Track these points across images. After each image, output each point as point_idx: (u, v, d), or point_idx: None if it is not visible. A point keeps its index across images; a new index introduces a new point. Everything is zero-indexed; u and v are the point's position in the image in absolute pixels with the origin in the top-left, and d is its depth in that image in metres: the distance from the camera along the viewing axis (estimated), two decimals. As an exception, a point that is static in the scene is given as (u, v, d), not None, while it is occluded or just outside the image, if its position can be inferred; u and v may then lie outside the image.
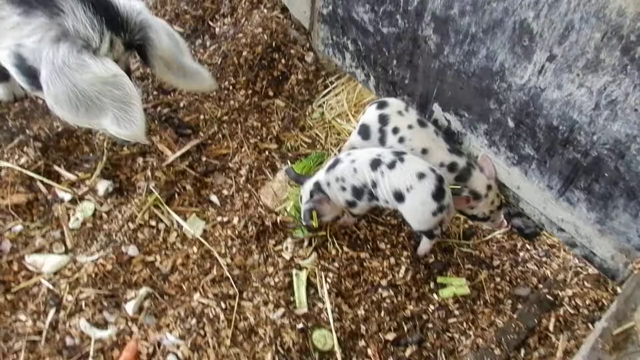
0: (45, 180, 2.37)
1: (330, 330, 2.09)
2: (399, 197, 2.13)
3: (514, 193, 2.20)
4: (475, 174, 2.26)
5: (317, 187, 2.27)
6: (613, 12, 1.47)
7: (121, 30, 1.88)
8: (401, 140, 2.28)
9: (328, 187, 2.25)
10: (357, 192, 2.21)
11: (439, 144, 2.27)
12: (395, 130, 2.28)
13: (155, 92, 2.84)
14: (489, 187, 2.24)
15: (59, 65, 1.70)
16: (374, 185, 2.16)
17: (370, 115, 2.35)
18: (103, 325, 2.03)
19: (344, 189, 2.22)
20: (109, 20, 1.82)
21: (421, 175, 2.08)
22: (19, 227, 2.24)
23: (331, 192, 2.25)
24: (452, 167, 2.26)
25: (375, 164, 2.14)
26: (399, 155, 2.14)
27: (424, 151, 2.26)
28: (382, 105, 2.33)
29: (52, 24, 1.73)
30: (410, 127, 2.28)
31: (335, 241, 2.40)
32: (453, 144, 2.30)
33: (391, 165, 2.12)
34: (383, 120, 2.30)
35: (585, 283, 2.32)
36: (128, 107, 1.83)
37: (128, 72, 2.14)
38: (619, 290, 2.10)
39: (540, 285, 2.34)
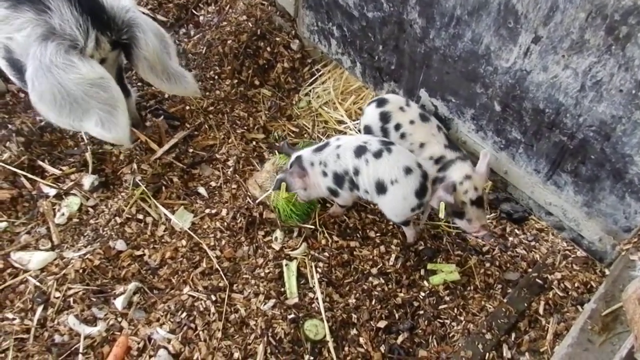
0: (30, 175, 2.34)
1: (322, 320, 2.08)
2: (381, 188, 2.11)
3: (502, 178, 2.19)
4: (458, 164, 2.17)
5: (299, 160, 2.26)
6: (597, -8, 1.45)
7: (107, 29, 1.87)
8: (403, 136, 2.24)
9: (311, 167, 2.24)
10: (338, 179, 2.19)
11: (438, 139, 2.22)
12: (398, 127, 2.24)
13: (140, 83, 2.80)
14: (467, 177, 2.13)
15: (46, 64, 1.71)
16: (356, 172, 2.14)
17: (370, 116, 2.29)
18: (92, 321, 2.01)
19: (325, 174, 2.21)
20: (94, 18, 1.81)
21: (408, 170, 2.07)
22: (3, 224, 2.20)
23: (312, 173, 2.24)
24: (438, 160, 2.20)
25: (360, 150, 2.13)
26: (387, 145, 2.12)
27: (422, 145, 2.22)
28: (381, 102, 2.29)
29: (39, 21, 1.73)
30: (412, 122, 2.23)
31: (325, 231, 2.39)
32: (453, 143, 2.23)
33: (377, 155, 2.10)
34: (384, 118, 2.26)
35: (574, 266, 2.33)
36: (113, 110, 1.84)
37: (120, 71, 2.10)
38: (607, 272, 2.12)
39: (530, 270, 2.35)
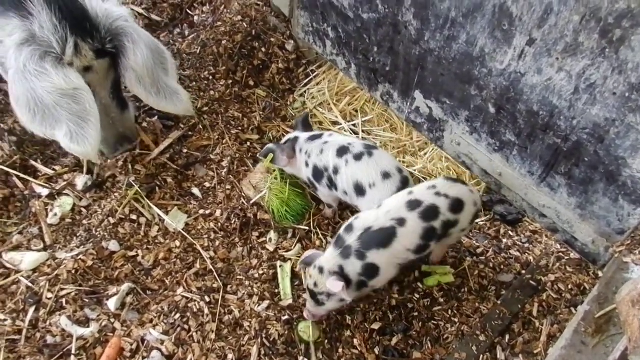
0: (22, 175, 2.32)
1: (315, 322, 2.08)
2: (360, 190, 2.12)
3: (495, 180, 2.19)
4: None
5: (294, 141, 2.30)
6: (591, -5, 1.46)
7: (88, 36, 1.84)
8: None
9: (300, 152, 2.27)
10: (317, 173, 2.22)
11: None
12: None
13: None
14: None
15: (20, 69, 1.71)
16: (335, 171, 2.15)
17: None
18: (85, 322, 2.00)
19: (307, 165, 2.24)
20: (75, 25, 1.78)
21: (386, 175, 2.08)
22: (-5, 225, 2.19)
23: (299, 159, 2.28)
24: None
25: (342, 151, 2.15)
26: (369, 149, 2.14)
27: None
28: None
29: (22, 27, 1.74)
30: None
31: (319, 232, 2.39)
32: None
33: (358, 157, 2.11)
34: None
35: (568, 268, 2.34)
36: (84, 123, 1.81)
37: (117, 82, 2.07)
38: (600, 274, 2.12)
39: (524, 271, 2.35)
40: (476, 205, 2.02)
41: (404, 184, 2.12)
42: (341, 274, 1.84)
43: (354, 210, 2.49)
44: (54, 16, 1.74)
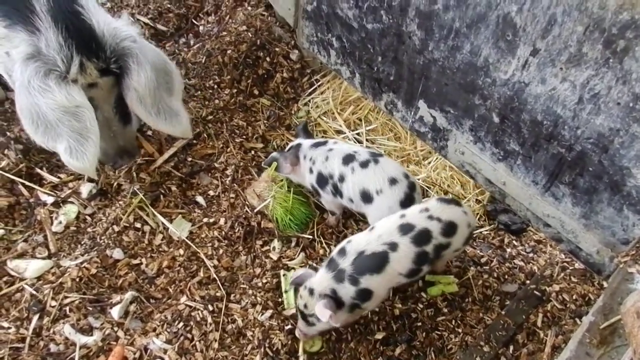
0: (27, 183, 2.33)
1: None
2: (367, 197, 2.12)
3: (500, 189, 2.19)
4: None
5: (297, 149, 2.30)
6: (595, 5, 1.46)
7: (94, 56, 1.87)
8: None
9: (304, 159, 2.28)
10: (321, 180, 2.22)
11: None
12: None
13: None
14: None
15: (24, 84, 1.75)
16: (341, 179, 2.16)
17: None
18: (88, 330, 2.00)
19: (311, 171, 2.24)
20: (80, 44, 1.82)
21: (393, 181, 2.08)
22: (0, 232, 2.19)
23: (303, 165, 2.29)
24: None
25: (348, 159, 2.16)
26: (375, 156, 2.14)
27: None
28: None
29: (29, 41, 1.78)
30: None
31: (322, 241, 2.39)
32: None
33: (364, 165, 2.12)
34: None
35: (572, 278, 2.32)
36: (84, 140, 1.85)
37: (121, 97, 2.09)
38: (605, 284, 2.11)
39: (528, 281, 2.34)
40: (470, 227, 2.02)
41: (411, 189, 2.13)
42: (334, 297, 1.83)
43: (357, 219, 2.50)
44: (60, 35, 1.77)
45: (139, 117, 2.11)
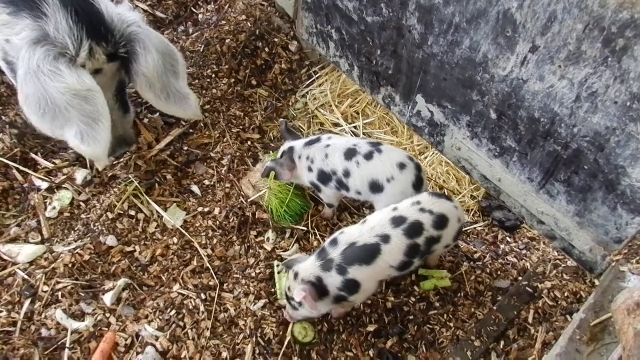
0: (22, 168, 2.32)
1: (311, 322, 2.08)
2: (376, 188, 2.13)
3: (495, 185, 2.20)
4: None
5: (290, 152, 2.28)
6: (595, 3, 1.46)
7: (103, 40, 1.85)
8: None
9: (299, 159, 2.26)
10: (324, 177, 2.21)
11: None
12: None
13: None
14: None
15: (33, 68, 1.71)
16: (347, 174, 2.16)
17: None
18: (80, 316, 2.00)
19: (310, 170, 2.23)
20: (90, 28, 1.80)
21: (402, 166, 2.10)
22: (-7, 216, 2.19)
23: (300, 166, 2.27)
24: None
25: (350, 153, 2.15)
26: (376, 145, 2.14)
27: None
28: None
29: (35, 26, 1.74)
30: None
31: (317, 233, 2.39)
32: None
33: (368, 157, 2.12)
34: None
35: (564, 275, 2.34)
36: (95, 125, 1.81)
37: (122, 85, 2.08)
38: (597, 282, 2.12)
39: (520, 278, 2.35)
40: (460, 222, 2.03)
41: (419, 170, 2.16)
42: (319, 285, 1.84)
43: (352, 212, 2.50)
44: (70, 18, 1.74)
45: (150, 103, 2.11)
